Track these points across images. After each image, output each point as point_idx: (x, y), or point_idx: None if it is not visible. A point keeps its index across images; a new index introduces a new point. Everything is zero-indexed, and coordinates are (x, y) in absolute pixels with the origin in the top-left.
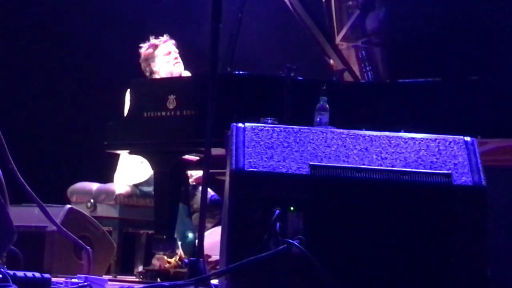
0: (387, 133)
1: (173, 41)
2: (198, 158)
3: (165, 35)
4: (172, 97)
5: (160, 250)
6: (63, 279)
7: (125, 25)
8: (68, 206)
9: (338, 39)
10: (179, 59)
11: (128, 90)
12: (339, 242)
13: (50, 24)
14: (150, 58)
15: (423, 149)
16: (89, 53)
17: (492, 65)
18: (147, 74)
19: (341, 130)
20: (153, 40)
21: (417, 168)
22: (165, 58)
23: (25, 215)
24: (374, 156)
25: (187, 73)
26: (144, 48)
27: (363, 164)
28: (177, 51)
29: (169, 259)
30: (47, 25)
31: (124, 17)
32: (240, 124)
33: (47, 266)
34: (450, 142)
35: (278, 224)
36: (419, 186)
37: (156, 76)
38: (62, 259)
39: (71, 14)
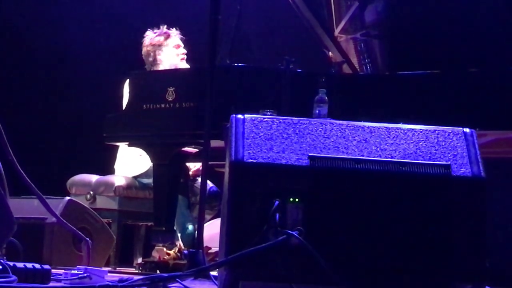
0: (386, 125)
1: (182, 37)
2: (197, 150)
3: (175, 29)
4: (171, 89)
5: (159, 242)
6: (62, 271)
7: (124, 16)
8: (68, 198)
9: (337, 31)
10: (185, 57)
11: (126, 82)
12: (338, 233)
13: (49, 18)
14: (158, 46)
15: (422, 140)
16: (89, 45)
17: (491, 57)
18: (150, 59)
19: (340, 122)
20: (166, 29)
21: (416, 159)
22: (174, 50)
23: (25, 207)
24: (373, 147)
25: (186, 65)
26: (154, 35)
27: (362, 155)
28: (183, 46)
29: (168, 251)
30: (46, 19)
31: (121, 8)
32: (240, 116)
33: (46, 258)
34: (449, 133)
35: (277, 215)
36: (418, 177)
37: (158, 64)
38: (61, 251)
39: (69, 7)
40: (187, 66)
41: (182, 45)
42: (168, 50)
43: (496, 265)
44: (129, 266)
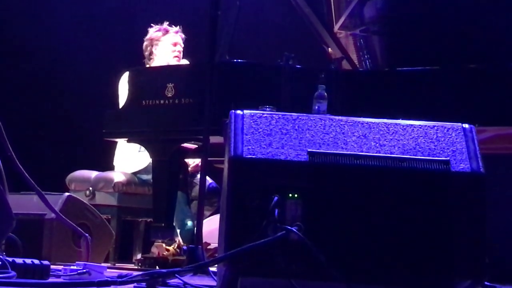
0: (385, 120)
1: (183, 36)
2: (196, 146)
3: (178, 27)
4: (170, 85)
5: (159, 238)
6: (61, 267)
7: (123, 12)
8: (67, 194)
9: (336, 27)
10: (180, 56)
11: (122, 78)
12: (337, 228)
13: (49, 16)
14: (155, 41)
15: (421, 136)
16: (88, 41)
17: (491, 53)
18: (146, 53)
19: (340, 117)
20: (166, 26)
21: (415, 155)
22: (169, 47)
23: (24, 203)
24: (373, 143)
25: (185, 61)
26: (154, 29)
27: (362, 151)
28: (182, 46)
29: (167, 247)
30: (45, 17)
31: (120, 4)
32: (239, 111)
33: (45, 254)
34: (449, 129)
35: (276, 211)
36: (417, 173)
37: (153, 59)
38: (60, 247)
39: (67, 4)
40: (180, 64)
41: (181, 44)
42: (164, 46)
43: (496, 261)
44: (128, 262)
